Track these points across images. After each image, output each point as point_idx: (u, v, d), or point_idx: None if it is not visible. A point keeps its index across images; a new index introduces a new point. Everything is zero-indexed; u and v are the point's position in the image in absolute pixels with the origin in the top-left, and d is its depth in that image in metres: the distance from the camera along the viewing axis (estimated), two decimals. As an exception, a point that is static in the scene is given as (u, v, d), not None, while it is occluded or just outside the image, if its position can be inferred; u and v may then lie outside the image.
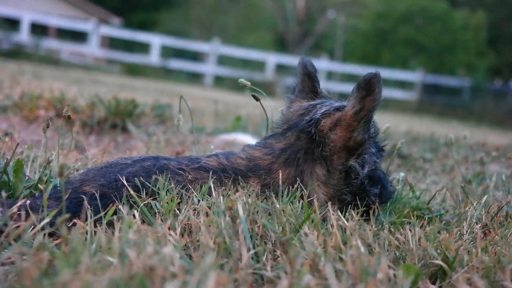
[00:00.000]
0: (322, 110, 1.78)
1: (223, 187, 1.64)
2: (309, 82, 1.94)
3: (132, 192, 1.53)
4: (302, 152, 1.75)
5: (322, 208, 1.61)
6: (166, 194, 1.55)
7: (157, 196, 1.57)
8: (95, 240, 1.23)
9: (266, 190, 1.68)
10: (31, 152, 2.25)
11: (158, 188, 1.57)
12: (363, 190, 1.82)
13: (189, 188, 1.62)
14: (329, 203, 1.53)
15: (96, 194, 1.53)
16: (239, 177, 1.69)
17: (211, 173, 1.67)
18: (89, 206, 1.46)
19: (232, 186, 1.65)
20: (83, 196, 1.51)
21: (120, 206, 1.46)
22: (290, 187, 1.70)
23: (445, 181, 3.08)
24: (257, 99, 2.06)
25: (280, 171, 1.72)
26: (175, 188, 1.59)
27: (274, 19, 35.84)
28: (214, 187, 1.61)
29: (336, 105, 1.79)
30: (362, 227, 1.45)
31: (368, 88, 1.66)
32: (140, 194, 1.56)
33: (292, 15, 34.39)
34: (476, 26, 27.53)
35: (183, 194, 1.59)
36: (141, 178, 1.60)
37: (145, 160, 1.70)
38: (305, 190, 1.65)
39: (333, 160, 1.75)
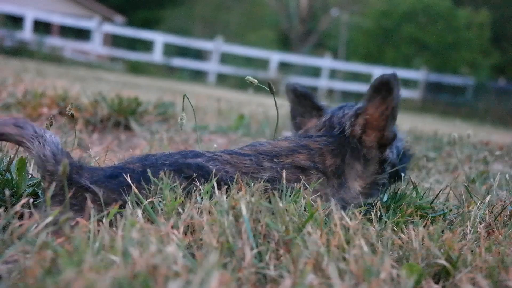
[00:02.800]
0: (345, 122, 1.89)
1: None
2: (306, 102, 2.06)
3: (135, 190, 1.53)
4: (344, 149, 1.84)
5: (356, 199, 1.79)
6: (170, 193, 1.55)
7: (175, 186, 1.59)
8: (98, 238, 1.23)
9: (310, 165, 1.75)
10: (35, 150, 2.25)
11: (162, 186, 1.57)
12: (395, 171, 1.96)
13: (233, 172, 1.66)
14: (333, 203, 1.53)
15: (138, 169, 1.61)
16: (283, 156, 1.76)
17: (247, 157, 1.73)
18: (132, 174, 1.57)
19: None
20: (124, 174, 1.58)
21: (128, 203, 1.46)
22: (333, 175, 1.78)
23: (448, 180, 3.07)
24: (272, 90, 2.06)
25: (329, 156, 1.81)
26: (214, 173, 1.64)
27: (277, 17, 35.84)
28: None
29: (352, 112, 1.91)
30: (365, 227, 1.45)
31: (388, 89, 1.81)
32: (175, 176, 1.60)
33: (295, 13, 34.38)
34: (480, 25, 27.47)
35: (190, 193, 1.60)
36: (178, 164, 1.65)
37: (183, 152, 1.76)
38: (307, 188, 1.67)
39: (371, 156, 1.87)
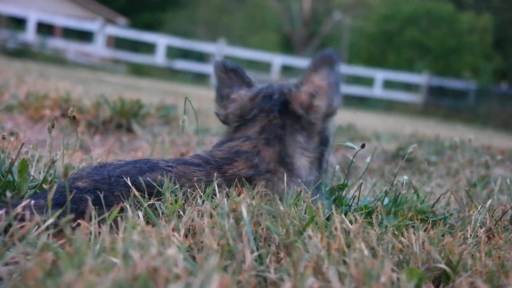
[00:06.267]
0: (290, 87, 1.93)
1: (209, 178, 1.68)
2: (237, 76, 2.03)
3: (136, 192, 1.54)
4: (281, 128, 1.84)
5: (308, 177, 1.80)
6: (170, 195, 1.55)
7: (146, 194, 1.58)
8: (99, 240, 1.24)
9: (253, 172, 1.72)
10: (36, 152, 2.25)
11: (163, 188, 1.58)
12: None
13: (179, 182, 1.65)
14: (333, 208, 1.53)
15: (88, 188, 1.55)
16: (223, 164, 1.74)
17: (197, 166, 1.71)
18: (80, 199, 1.49)
19: (217, 174, 1.70)
20: (76, 190, 1.52)
21: (127, 206, 1.46)
22: (278, 164, 1.77)
23: (449, 184, 3.07)
24: None
25: (265, 151, 1.79)
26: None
27: (280, 20, 35.85)
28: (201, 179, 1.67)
29: (295, 82, 1.98)
30: (365, 230, 1.45)
31: (332, 62, 1.97)
32: (131, 192, 1.56)
33: (298, 16, 34.40)
34: (482, 29, 27.48)
35: (188, 195, 1.60)
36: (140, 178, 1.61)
37: (137, 162, 1.72)
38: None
39: (315, 126, 1.90)
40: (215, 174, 1.69)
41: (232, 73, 2.03)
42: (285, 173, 1.75)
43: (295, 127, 1.86)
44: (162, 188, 1.58)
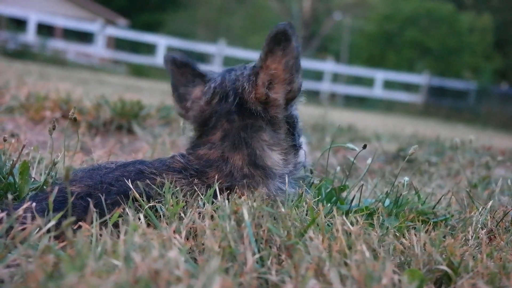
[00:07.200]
0: (243, 83, 1.78)
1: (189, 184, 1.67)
2: (188, 70, 1.93)
3: (137, 195, 1.54)
4: (244, 131, 1.75)
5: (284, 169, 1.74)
6: (171, 197, 1.55)
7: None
8: (100, 243, 1.24)
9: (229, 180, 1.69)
10: (37, 154, 2.25)
11: (164, 191, 1.58)
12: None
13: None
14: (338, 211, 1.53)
15: (81, 194, 1.54)
16: (199, 173, 1.71)
17: (179, 173, 1.69)
18: (73, 205, 1.47)
19: (196, 182, 1.68)
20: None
21: (127, 209, 1.46)
22: (251, 168, 1.71)
23: (450, 185, 3.07)
24: None
25: (234, 156, 1.73)
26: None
27: (280, 21, 35.66)
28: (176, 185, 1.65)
29: (248, 71, 1.81)
30: (367, 232, 1.45)
31: (287, 38, 1.69)
32: (124, 198, 1.56)
33: (298, 17, 34.39)
34: (482, 29, 27.52)
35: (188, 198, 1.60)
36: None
37: (127, 166, 1.71)
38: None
39: (278, 118, 1.78)
40: (197, 182, 1.68)
41: (184, 68, 1.93)
42: (261, 177, 1.71)
43: (257, 125, 1.76)
44: (146, 196, 1.58)
